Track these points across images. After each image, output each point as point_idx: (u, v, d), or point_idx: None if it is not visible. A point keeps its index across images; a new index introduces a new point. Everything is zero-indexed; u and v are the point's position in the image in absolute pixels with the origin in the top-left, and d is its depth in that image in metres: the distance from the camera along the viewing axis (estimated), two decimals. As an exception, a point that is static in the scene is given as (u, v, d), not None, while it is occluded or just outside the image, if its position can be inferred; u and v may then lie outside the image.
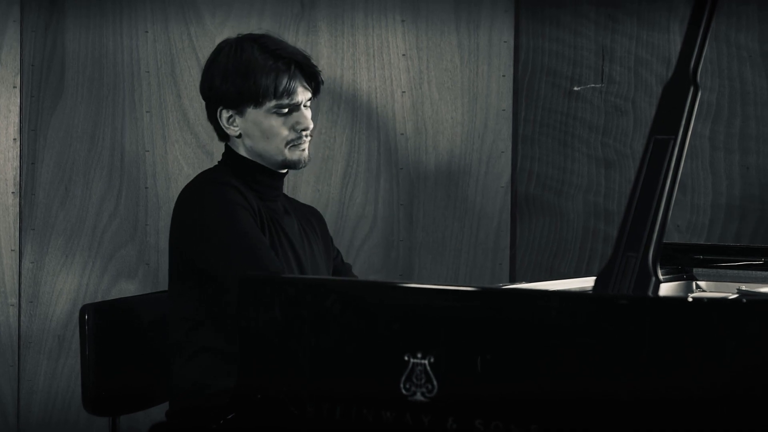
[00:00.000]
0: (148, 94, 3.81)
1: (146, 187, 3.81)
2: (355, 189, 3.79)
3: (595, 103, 3.73)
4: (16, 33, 3.81)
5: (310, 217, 2.77)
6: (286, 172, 2.66)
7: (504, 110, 3.75)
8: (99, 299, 3.71)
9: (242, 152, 2.59)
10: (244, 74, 2.52)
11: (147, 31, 3.80)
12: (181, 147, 3.80)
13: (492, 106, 3.75)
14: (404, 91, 3.76)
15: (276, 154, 2.57)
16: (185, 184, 2.62)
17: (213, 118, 2.60)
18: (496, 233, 3.76)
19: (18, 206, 3.83)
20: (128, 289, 3.81)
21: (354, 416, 1.70)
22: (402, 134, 3.77)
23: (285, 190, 2.76)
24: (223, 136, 2.61)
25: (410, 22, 3.75)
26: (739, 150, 3.65)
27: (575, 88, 3.75)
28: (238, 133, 2.57)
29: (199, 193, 2.51)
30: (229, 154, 2.62)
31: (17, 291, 3.85)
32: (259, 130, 2.55)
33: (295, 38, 3.75)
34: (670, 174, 1.80)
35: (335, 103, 3.77)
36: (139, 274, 3.82)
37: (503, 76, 3.74)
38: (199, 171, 2.64)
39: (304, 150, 2.59)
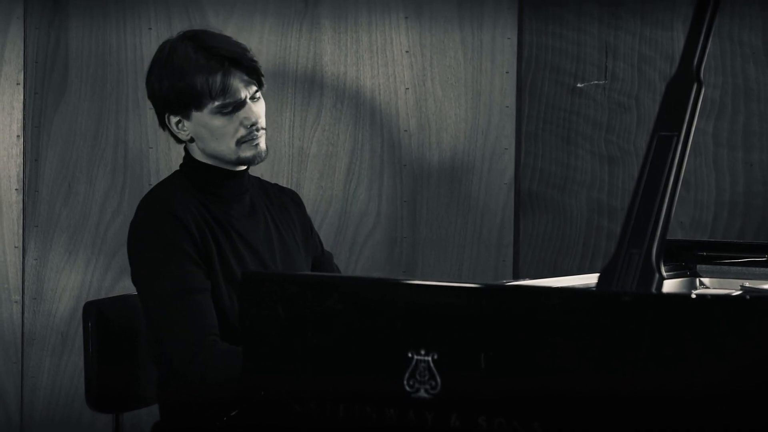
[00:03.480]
0: (152, 91, 3.80)
1: (150, 184, 3.81)
2: (358, 186, 3.79)
3: (599, 100, 3.73)
4: (19, 30, 3.81)
5: (287, 204, 2.68)
6: (247, 168, 2.56)
7: (507, 107, 3.75)
8: (102, 296, 3.70)
9: (198, 155, 2.52)
10: (179, 76, 2.42)
11: (150, 28, 3.80)
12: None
13: (495, 103, 3.75)
14: (408, 88, 3.76)
15: (228, 154, 2.47)
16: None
17: (163, 124, 2.52)
18: (499, 230, 3.76)
19: (21, 203, 3.84)
20: (131, 286, 3.80)
21: (357, 413, 1.70)
22: (405, 131, 3.76)
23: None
24: (178, 140, 2.54)
25: (413, 19, 3.75)
26: (742, 147, 3.65)
27: (579, 85, 3.75)
28: (189, 137, 2.50)
29: (145, 220, 2.47)
30: (187, 159, 2.55)
31: (21, 288, 3.85)
32: (208, 131, 2.46)
33: (298, 36, 3.75)
34: (674, 171, 1.80)
35: (339, 100, 3.77)
36: (143, 271, 3.82)
37: (506, 72, 3.74)
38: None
39: (257, 145, 2.47)
